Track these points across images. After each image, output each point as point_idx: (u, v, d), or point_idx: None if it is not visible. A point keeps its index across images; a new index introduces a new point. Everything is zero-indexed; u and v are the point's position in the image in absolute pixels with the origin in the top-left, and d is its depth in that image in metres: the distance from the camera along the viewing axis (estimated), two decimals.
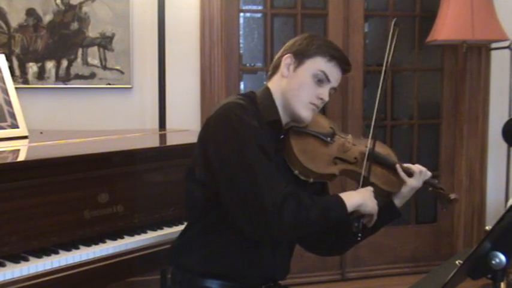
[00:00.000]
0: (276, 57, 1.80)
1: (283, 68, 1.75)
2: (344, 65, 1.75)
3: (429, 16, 3.65)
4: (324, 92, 1.72)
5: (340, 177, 1.81)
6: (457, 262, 1.39)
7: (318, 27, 3.68)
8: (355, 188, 1.77)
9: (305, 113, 1.72)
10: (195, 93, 3.35)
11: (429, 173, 1.83)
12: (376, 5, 3.83)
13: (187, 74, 3.34)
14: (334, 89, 1.76)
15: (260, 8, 3.62)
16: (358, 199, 1.68)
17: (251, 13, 3.63)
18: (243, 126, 1.60)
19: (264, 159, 1.59)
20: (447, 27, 3.33)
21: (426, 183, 1.83)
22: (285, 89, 1.73)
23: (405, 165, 1.83)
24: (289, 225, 1.56)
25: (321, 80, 1.71)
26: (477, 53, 3.69)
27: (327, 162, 1.77)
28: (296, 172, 1.73)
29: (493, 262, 1.23)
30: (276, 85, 1.76)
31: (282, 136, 1.76)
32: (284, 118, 1.75)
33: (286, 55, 1.75)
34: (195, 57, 3.34)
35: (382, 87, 1.81)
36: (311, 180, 1.75)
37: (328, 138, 1.79)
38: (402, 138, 3.95)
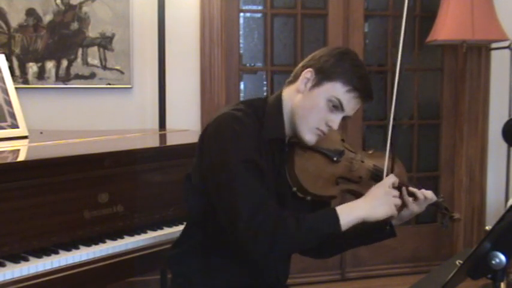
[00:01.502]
0: (300, 65, 1.69)
1: (300, 82, 1.63)
2: (365, 97, 1.64)
3: (429, 16, 3.65)
4: (335, 120, 1.61)
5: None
6: (457, 262, 1.39)
7: (318, 27, 3.68)
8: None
9: (309, 137, 1.63)
10: (195, 93, 3.35)
11: (435, 198, 1.73)
12: (376, 5, 3.83)
13: (187, 74, 3.34)
14: (348, 117, 1.65)
15: (260, 8, 3.62)
16: (360, 212, 1.54)
17: (251, 13, 3.63)
18: (232, 141, 1.53)
19: (247, 176, 1.51)
20: (447, 27, 3.33)
21: (431, 204, 1.74)
22: (297, 104, 1.63)
23: (411, 188, 1.72)
24: (265, 251, 1.48)
25: (335, 106, 1.60)
26: (477, 53, 3.69)
27: (329, 182, 1.68)
28: (294, 189, 1.66)
29: (493, 262, 1.22)
30: (289, 96, 1.66)
31: (287, 149, 1.68)
32: (290, 131, 1.68)
33: (308, 69, 1.63)
34: (195, 57, 3.34)
35: (400, 69, 1.71)
36: (308, 198, 1.67)
37: (335, 157, 1.69)
38: (402, 138, 3.94)
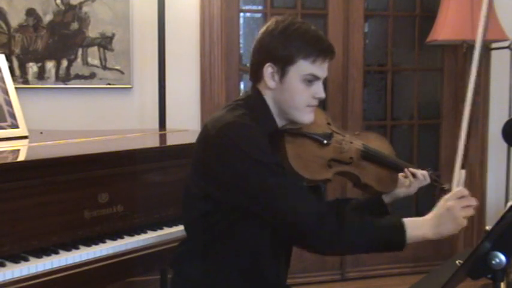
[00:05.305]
0: (252, 61, 1.66)
1: (267, 79, 1.61)
2: (330, 54, 1.63)
3: (429, 16, 3.65)
4: (318, 90, 1.63)
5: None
6: (457, 262, 1.39)
7: (318, 27, 3.67)
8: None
9: (306, 117, 1.65)
10: (195, 93, 3.35)
11: (429, 180, 1.87)
12: (376, 5, 3.83)
13: (187, 74, 3.34)
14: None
15: (260, 8, 3.62)
16: (427, 231, 1.54)
17: (251, 13, 3.63)
18: (256, 149, 1.51)
19: (286, 178, 1.54)
20: (447, 27, 3.33)
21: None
22: (278, 99, 1.63)
23: (411, 169, 1.83)
24: (333, 240, 1.51)
25: (311, 80, 1.61)
26: None
27: (321, 166, 1.71)
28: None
29: (493, 262, 1.23)
30: (266, 93, 1.65)
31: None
32: (279, 123, 1.68)
33: (266, 65, 1.60)
34: (195, 57, 3.34)
35: None
36: (304, 184, 1.68)
37: (325, 141, 1.72)
38: (402, 138, 3.94)
